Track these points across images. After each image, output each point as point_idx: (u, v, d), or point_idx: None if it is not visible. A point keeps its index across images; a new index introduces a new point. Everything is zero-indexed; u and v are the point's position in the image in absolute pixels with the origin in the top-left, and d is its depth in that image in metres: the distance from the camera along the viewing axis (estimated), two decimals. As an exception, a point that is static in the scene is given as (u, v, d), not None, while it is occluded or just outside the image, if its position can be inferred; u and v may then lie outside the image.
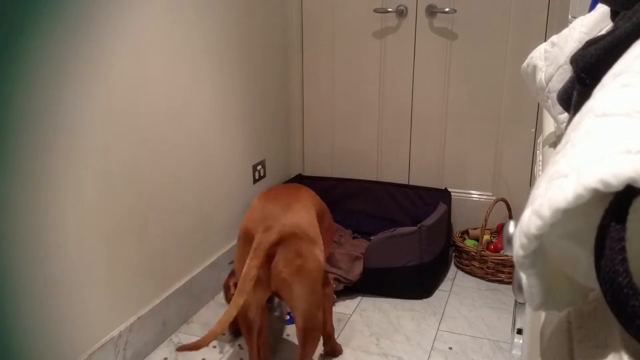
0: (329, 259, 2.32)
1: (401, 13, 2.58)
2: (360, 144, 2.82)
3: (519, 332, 0.94)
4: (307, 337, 1.52)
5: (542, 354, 0.39)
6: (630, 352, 0.30)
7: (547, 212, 0.31)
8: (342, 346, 1.95)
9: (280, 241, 1.41)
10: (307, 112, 2.87)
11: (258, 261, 1.38)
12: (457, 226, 2.69)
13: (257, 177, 2.57)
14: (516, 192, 2.60)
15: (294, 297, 1.47)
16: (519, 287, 0.50)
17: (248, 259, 1.39)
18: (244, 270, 1.39)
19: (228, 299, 2.21)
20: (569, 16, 1.65)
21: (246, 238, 1.46)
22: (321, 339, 1.76)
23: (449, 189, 2.69)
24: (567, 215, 0.31)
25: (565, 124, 0.83)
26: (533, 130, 2.53)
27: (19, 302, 1.45)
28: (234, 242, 2.42)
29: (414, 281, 2.29)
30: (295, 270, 1.43)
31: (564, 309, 0.38)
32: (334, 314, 2.16)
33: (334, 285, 2.24)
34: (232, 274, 2.14)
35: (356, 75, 2.74)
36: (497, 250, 2.45)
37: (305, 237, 1.43)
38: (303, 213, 1.47)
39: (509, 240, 0.51)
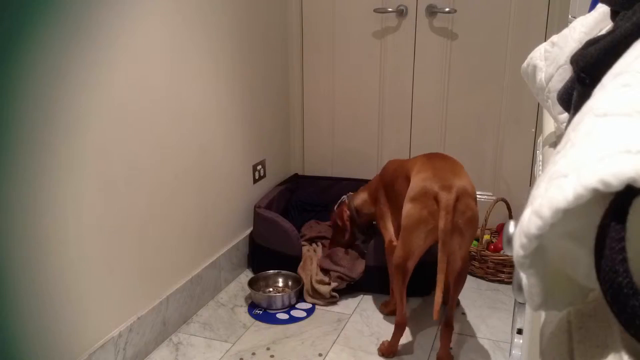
0: (332, 256, 2.33)
1: (401, 13, 2.58)
2: (360, 144, 2.82)
3: (519, 332, 0.94)
4: (461, 278, 1.86)
5: (542, 354, 0.39)
6: (630, 352, 0.30)
7: (547, 212, 0.31)
8: (342, 346, 1.95)
9: (457, 198, 1.73)
10: (307, 112, 2.87)
11: (451, 216, 1.71)
12: (457, 226, 2.69)
13: (257, 177, 2.57)
14: (516, 192, 2.60)
15: (462, 243, 1.77)
16: (519, 287, 0.50)
17: (443, 216, 1.70)
18: (442, 226, 1.70)
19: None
20: (569, 16, 1.66)
21: (425, 195, 1.76)
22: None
23: (449, 189, 2.68)
24: (567, 215, 0.31)
25: (565, 124, 0.83)
26: (533, 130, 2.53)
27: (19, 302, 1.45)
28: (235, 241, 2.42)
29: (414, 280, 2.29)
30: (466, 221, 1.75)
31: (564, 309, 0.38)
32: (334, 314, 2.16)
33: (336, 284, 2.25)
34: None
35: (356, 75, 2.74)
36: (497, 250, 2.45)
37: (471, 195, 1.78)
38: (466, 176, 1.82)
39: (509, 240, 0.51)
